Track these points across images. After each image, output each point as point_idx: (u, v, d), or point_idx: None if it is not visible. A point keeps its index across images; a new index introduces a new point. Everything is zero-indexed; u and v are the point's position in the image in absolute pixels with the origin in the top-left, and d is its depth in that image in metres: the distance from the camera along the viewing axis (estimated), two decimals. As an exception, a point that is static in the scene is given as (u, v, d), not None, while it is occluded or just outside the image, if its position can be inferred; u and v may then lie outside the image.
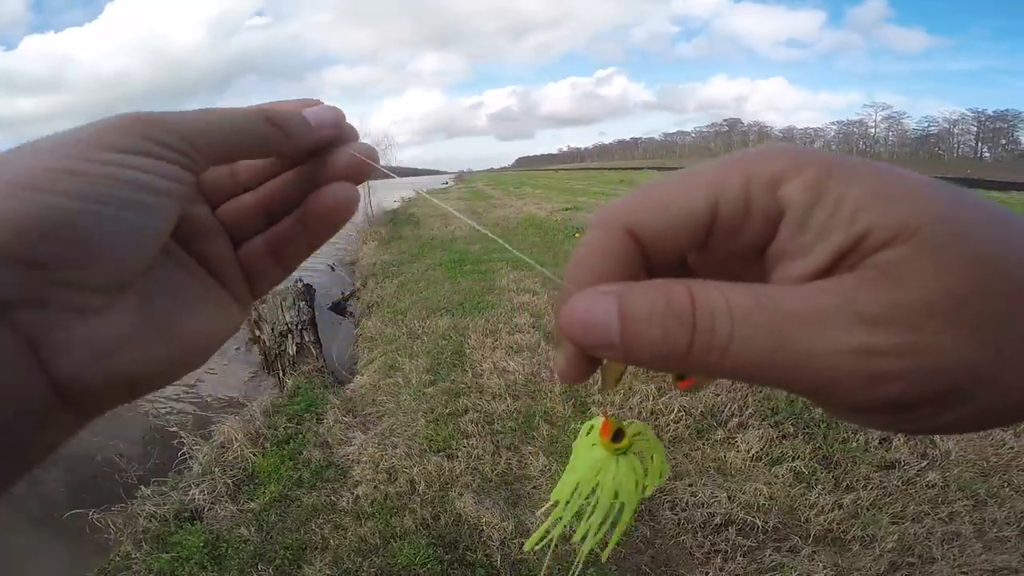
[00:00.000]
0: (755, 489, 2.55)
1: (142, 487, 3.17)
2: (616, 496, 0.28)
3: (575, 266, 0.20)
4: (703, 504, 2.50)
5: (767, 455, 2.84)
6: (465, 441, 3.16)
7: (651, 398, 3.32)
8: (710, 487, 2.61)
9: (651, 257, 0.19)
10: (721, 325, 0.16)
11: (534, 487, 2.78)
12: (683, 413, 3.17)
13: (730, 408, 3.18)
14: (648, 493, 0.28)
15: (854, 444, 2.84)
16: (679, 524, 2.44)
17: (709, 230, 0.18)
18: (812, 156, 0.17)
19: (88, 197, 0.18)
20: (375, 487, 2.83)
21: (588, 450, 0.28)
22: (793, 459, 2.76)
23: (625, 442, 0.28)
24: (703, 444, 2.97)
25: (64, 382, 0.18)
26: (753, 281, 0.17)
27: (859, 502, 2.45)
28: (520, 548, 2.35)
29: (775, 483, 2.61)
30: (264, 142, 0.23)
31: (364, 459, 3.11)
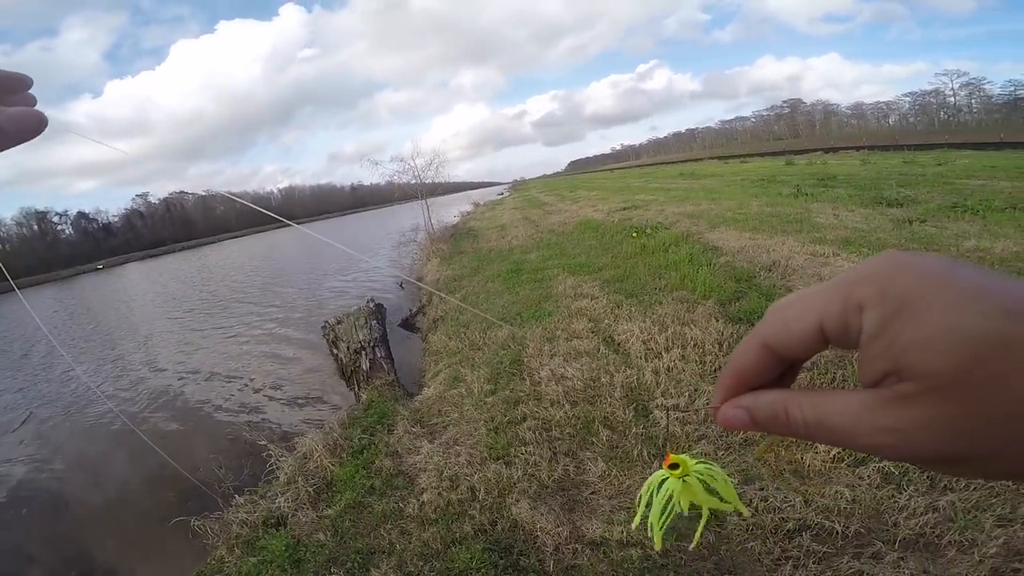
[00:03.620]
0: (836, 492, 2.33)
1: (236, 496, 3.50)
2: (680, 502, 0.42)
3: (734, 362, 0.32)
4: (775, 509, 2.32)
5: (851, 455, 2.58)
6: (523, 448, 3.21)
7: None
8: (783, 491, 2.45)
9: (782, 356, 0.30)
10: (803, 428, 0.28)
11: (592, 492, 2.77)
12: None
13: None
14: (727, 507, 0.42)
15: (951, 442, 2.58)
16: (747, 530, 2.29)
17: (823, 340, 0.28)
18: (897, 286, 0.25)
19: None
20: (439, 494, 2.95)
21: (657, 473, 0.44)
22: (881, 459, 2.54)
23: (680, 470, 0.42)
24: (777, 447, 2.82)
25: None
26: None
27: (958, 504, 2.17)
28: (573, 554, 2.37)
29: (859, 485, 2.37)
30: None
31: (430, 467, 3.25)
